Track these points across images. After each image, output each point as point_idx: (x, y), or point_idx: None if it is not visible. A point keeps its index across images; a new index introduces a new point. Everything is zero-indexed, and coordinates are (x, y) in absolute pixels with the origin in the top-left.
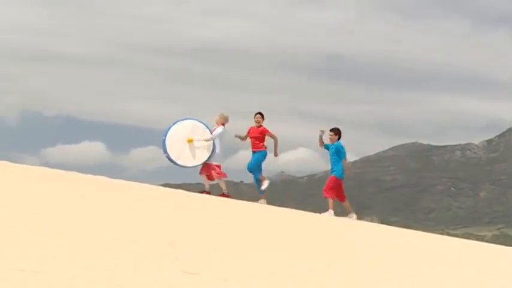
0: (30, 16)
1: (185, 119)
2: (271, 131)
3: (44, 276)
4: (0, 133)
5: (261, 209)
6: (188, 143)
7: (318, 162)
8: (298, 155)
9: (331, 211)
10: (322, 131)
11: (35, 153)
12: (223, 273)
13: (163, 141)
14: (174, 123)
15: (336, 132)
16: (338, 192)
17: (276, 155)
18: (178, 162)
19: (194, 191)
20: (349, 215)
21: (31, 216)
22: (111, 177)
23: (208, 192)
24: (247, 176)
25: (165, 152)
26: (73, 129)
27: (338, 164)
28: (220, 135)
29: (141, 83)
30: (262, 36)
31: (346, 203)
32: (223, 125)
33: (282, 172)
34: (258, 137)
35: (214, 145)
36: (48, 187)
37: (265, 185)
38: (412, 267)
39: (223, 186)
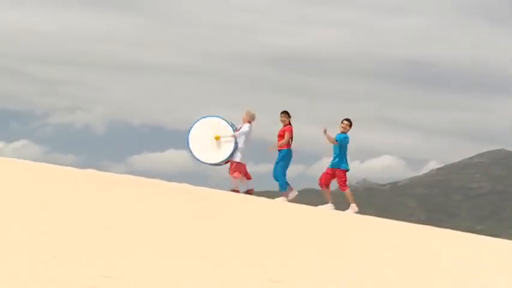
0: (117, 26)
1: (208, 116)
2: (290, 131)
3: (128, 284)
4: (89, 142)
5: (339, 216)
6: (216, 139)
7: (402, 170)
8: (382, 163)
9: (353, 205)
10: (325, 130)
11: (122, 161)
12: (309, 283)
13: (187, 138)
14: (196, 121)
15: (351, 123)
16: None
17: (271, 149)
18: (201, 159)
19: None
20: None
21: (110, 222)
22: (195, 185)
23: (251, 190)
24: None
25: (189, 149)
26: (158, 137)
27: (342, 154)
28: (246, 133)
29: (225, 92)
30: (346, 44)
31: (328, 191)
32: (249, 122)
33: (365, 180)
34: (282, 135)
35: (236, 143)
36: (133, 194)
37: (292, 195)
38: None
39: (234, 182)
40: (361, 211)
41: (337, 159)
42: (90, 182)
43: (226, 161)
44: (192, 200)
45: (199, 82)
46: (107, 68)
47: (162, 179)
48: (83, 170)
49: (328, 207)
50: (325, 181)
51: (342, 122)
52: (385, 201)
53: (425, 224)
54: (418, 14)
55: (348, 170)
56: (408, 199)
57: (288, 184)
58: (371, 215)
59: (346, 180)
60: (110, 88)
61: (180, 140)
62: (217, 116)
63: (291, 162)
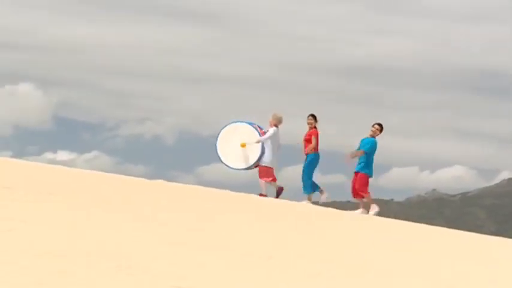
0: (193, 38)
1: (235, 121)
2: (316, 135)
3: None
4: (159, 153)
5: (416, 228)
6: (242, 147)
7: (473, 180)
8: (453, 173)
9: (374, 206)
10: (349, 156)
11: (191, 171)
12: None
13: (215, 144)
14: (224, 127)
15: (381, 127)
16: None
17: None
18: (230, 165)
19: (345, 209)
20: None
21: (188, 234)
22: (293, 199)
23: (281, 188)
24: (398, 194)
25: (218, 155)
26: None
27: (367, 159)
28: (272, 137)
29: (295, 103)
30: (416, 54)
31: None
32: (276, 126)
33: (434, 190)
34: (308, 139)
35: (263, 147)
36: (204, 205)
37: (324, 197)
38: None
39: (264, 188)
40: (431, 221)
41: (362, 164)
42: (159, 193)
43: (255, 166)
44: (258, 209)
45: (269, 93)
46: (179, 79)
47: (231, 189)
48: (152, 181)
49: (374, 211)
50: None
51: (372, 126)
52: (455, 211)
53: (496, 236)
54: (489, 22)
55: (370, 176)
56: (478, 210)
57: (317, 186)
58: (440, 226)
59: (367, 185)
60: (180, 99)
61: None
62: (245, 122)
63: (317, 166)
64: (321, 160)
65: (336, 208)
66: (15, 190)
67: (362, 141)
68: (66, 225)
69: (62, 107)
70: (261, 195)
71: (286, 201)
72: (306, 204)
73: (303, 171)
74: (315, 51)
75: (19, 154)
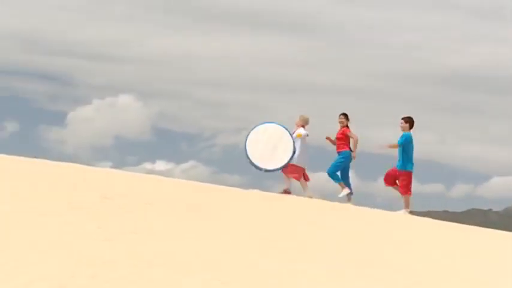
0: (282, 47)
1: (264, 123)
2: (352, 131)
3: None
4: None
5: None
6: (272, 148)
7: None
8: None
9: (405, 210)
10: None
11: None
12: None
13: (244, 146)
14: (253, 128)
15: (407, 120)
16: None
17: (353, 157)
18: (260, 166)
19: (440, 219)
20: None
21: (283, 244)
22: (359, 204)
23: (306, 184)
24: (497, 204)
25: (247, 157)
26: (322, 157)
27: (405, 155)
28: (304, 137)
29: (390, 111)
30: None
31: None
32: (303, 127)
33: None
34: (340, 137)
35: (295, 148)
36: (293, 213)
37: (343, 192)
38: None
39: (288, 182)
40: None
41: (401, 161)
42: (254, 202)
43: (285, 166)
44: (355, 219)
45: (364, 102)
46: (275, 89)
47: (325, 198)
48: (248, 191)
49: (403, 212)
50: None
51: (400, 122)
52: None
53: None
54: None
55: (411, 171)
56: None
57: (341, 180)
58: None
59: (410, 183)
60: (276, 109)
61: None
62: (274, 122)
63: (350, 164)
64: (417, 169)
65: (432, 218)
66: (115, 200)
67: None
68: (163, 235)
69: (161, 118)
70: (285, 192)
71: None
72: (345, 191)
73: (330, 169)
74: (410, 60)
75: (119, 164)
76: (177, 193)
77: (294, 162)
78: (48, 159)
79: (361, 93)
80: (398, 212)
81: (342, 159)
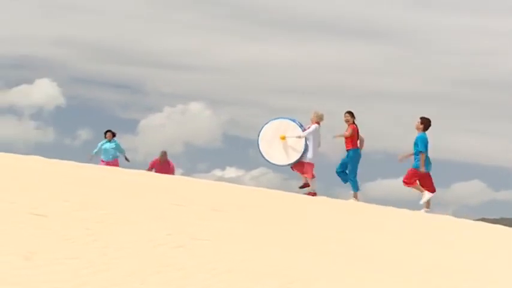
0: (354, 55)
1: (277, 118)
2: (356, 130)
3: None
4: (326, 169)
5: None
6: (281, 140)
7: None
8: None
9: (425, 193)
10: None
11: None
12: None
13: (257, 141)
14: (266, 123)
15: (423, 121)
16: (424, 183)
17: (336, 136)
18: (271, 161)
19: None
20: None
21: (356, 251)
22: (435, 212)
23: (307, 185)
24: None
25: (260, 151)
26: (393, 164)
27: (417, 155)
28: (313, 133)
29: (466, 117)
30: None
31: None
32: (317, 123)
33: None
34: (347, 135)
35: (306, 144)
36: (358, 220)
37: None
38: None
39: (313, 185)
40: None
41: (416, 161)
42: (322, 210)
43: (297, 162)
44: (433, 227)
45: (439, 109)
46: (345, 96)
47: (395, 206)
48: (316, 198)
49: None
50: (429, 187)
51: (417, 122)
52: None
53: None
54: None
55: (428, 171)
56: None
57: (358, 189)
58: None
59: (414, 176)
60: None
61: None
62: (287, 118)
63: (359, 162)
64: (489, 176)
65: (505, 225)
66: (185, 207)
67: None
68: (233, 242)
69: (231, 125)
70: (309, 194)
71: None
72: (353, 202)
73: (348, 169)
74: (488, 65)
75: (189, 171)
76: (246, 199)
77: (308, 160)
78: (120, 167)
79: (436, 100)
80: (421, 212)
81: (351, 159)
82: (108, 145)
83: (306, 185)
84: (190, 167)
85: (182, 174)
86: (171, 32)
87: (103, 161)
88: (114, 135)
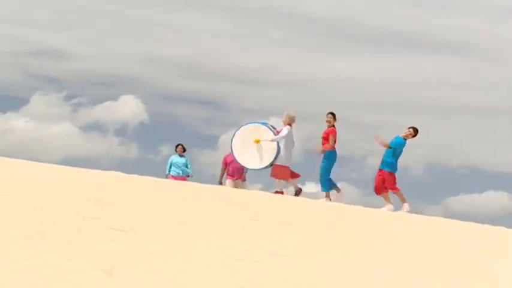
0: (435, 69)
1: (248, 123)
2: (334, 133)
3: None
4: (408, 184)
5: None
6: (255, 143)
7: None
8: None
9: (405, 205)
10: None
11: (438, 202)
12: None
13: (231, 146)
14: (237, 130)
15: (415, 132)
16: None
17: (318, 149)
18: (246, 165)
19: None
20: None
21: (428, 268)
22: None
23: (300, 189)
24: None
25: (234, 156)
26: (477, 179)
27: (393, 158)
28: (286, 136)
29: None
30: None
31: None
32: (289, 125)
33: None
34: (325, 137)
35: (279, 146)
36: (449, 238)
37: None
38: None
39: (280, 185)
40: None
41: (386, 161)
42: (400, 225)
43: (271, 165)
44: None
45: None
46: (427, 111)
47: (477, 221)
48: (395, 213)
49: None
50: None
51: (408, 129)
52: None
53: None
54: None
55: (394, 172)
56: None
57: (334, 184)
58: None
59: (394, 182)
60: (428, 130)
61: (501, 181)
62: (258, 122)
63: (335, 164)
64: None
65: None
66: (263, 222)
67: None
68: (311, 257)
69: (310, 140)
70: (276, 192)
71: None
72: (324, 202)
73: (321, 168)
74: None
75: (268, 186)
76: (324, 214)
77: (280, 162)
78: (199, 182)
79: None
80: (381, 210)
81: (329, 160)
82: (178, 160)
83: (298, 192)
84: (270, 182)
85: (261, 189)
86: (255, 49)
87: (172, 176)
88: (184, 149)
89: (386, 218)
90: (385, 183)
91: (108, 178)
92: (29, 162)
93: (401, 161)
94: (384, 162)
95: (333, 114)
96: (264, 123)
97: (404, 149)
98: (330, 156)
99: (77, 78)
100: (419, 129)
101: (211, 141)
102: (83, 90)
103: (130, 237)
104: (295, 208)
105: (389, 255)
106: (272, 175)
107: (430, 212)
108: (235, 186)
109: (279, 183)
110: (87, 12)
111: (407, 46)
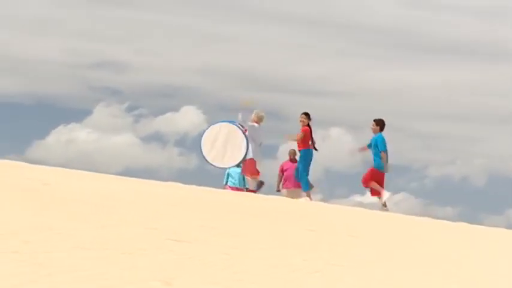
0: (494, 76)
1: (217, 122)
2: (303, 132)
3: None
4: (468, 194)
5: None
6: (225, 144)
7: None
8: None
9: (385, 192)
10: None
11: (501, 213)
12: None
13: (200, 145)
14: (206, 129)
15: (378, 122)
16: (379, 184)
17: (286, 137)
18: (214, 164)
19: None
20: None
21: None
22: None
23: (262, 183)
24: None
25: (202, 155)
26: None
27: (377, 156)
28: (254, 133)
29: None
30: None
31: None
32: (257, 123)
33: None
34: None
35: (247, 144)
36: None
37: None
38: None
39: (252, 183)
40: None
41: (379, 159)
42: (460, 235)
43: (242, 161)
44: None
45: None
46: (487, 120)
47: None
48: (455, 223)
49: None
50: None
51: (372, 124)
52: None
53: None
54: None
55: (382, 171)
56: None
57: (309, 189)
58: None
59: (373, 178)
60: (489, 140)
61: None
62: (226, 121)
63: (312, 162)
64: None
65: None
66: (320, 232)
67: (371, 141)
68: (366, 267)
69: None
70: (248, 190)
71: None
72: (305, 202)
73: (299, 169)
74: None
75: (328, 196)
76: (382, 225)
77: (247, 159)
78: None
79: None
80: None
81: (305, 159)
82: (236, 170)
83: (260, 184)
84: (329, 192)
85: (321, 200)
86: (313, 58)
87: (230, 187)
88: None
89: (444, 228)
90: (369, 175)
91: (167, 189)
92: (90, 173)
93: (462, 171)
94: (374, 161)
95: (306, 114)
96: (233, 122)
97: (465, 159)
98: (306, 155)
99: (138, 90)
100: (383, 120)
101: (270, 151)
102: (144, 101)
103: (187, 248)
104: (353, 218)
105: (448, 266)
106: (243, 173)
107: (491, 222)
108: (291, 195)
109: (251, 181)
110: (147, 24)
111: (466, 55)
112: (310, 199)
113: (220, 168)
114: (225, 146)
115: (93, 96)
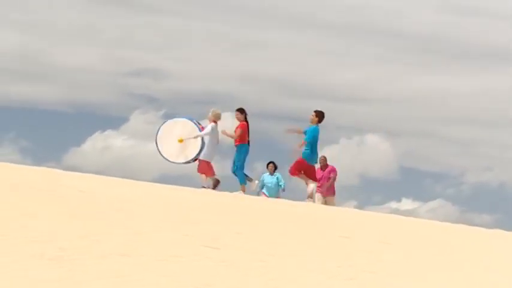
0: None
1: (174, 117)
2: (241, 128)
3: None
4: (505, 201)
5: None
6: (179, 142)
7: None
8: None
9: (311, 185)
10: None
11: None
12: None
13: (155, 140)
14: (163, 123)
15: (318, 114)
16: (309, 176)
17: (223, 133)
18: (170, 159)
19: None
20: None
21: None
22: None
23: (218, 181)
24: None
25: (158, 149)
26: None
27: (307, 146)
28: (210, 133)
29: None
30: None
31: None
32: (214, 122)
33: None
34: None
35: (203, 142)
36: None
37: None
38: None
39: (204, 180)
40: None
41: (306, 152)
42: (495, 243)
43: (194, 160)
44: None
45: None
46: None
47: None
48: (490, 230)
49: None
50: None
51: (311, 114)
52: None
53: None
54: None
55: (313, 163)
56: None
57: (246, 176)
58: None
59: (301, 168)
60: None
61: None
62: (185, 117)
63: (247, 156)
64: None
65: None
66: (354, 239)
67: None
68: (398, 274)
69: (407, 156)
70: (203, 187)
71: None
72: (238, 195)
73: (234, 162)
74: None
75: (364, 203)
76: (416, 232)
77: (204, 157)
78: (292, 199)
79: None
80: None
81: (240, 153)
82: (269, 180)
83: (216, 183)
84: (365, 199)
85: (356, 206)
86: (350, 65)
87: (265, 195)
88: (275, 167)
89: (479, 235)
90: (296, 164)
91: (200, 196)
92: (125, 180)
93: (499, 177)
94: (304, 152)
95: (239, 110)
96: (191, 119)
97: (503, 165)
98: (241, 149)
99: (175, 97)
100: (323, 112)
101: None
102: (180, 109)
103: (223, 254)
104: (387, 225)
105: (479, 272)
106: (199, 171)
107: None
108: (324, 201)
109: (205, 178)
110: (185, 31)
111: (504, 60)
112: (244, 192)
113: (172, 163)
114: (180, 142)
115: (130, 104)
